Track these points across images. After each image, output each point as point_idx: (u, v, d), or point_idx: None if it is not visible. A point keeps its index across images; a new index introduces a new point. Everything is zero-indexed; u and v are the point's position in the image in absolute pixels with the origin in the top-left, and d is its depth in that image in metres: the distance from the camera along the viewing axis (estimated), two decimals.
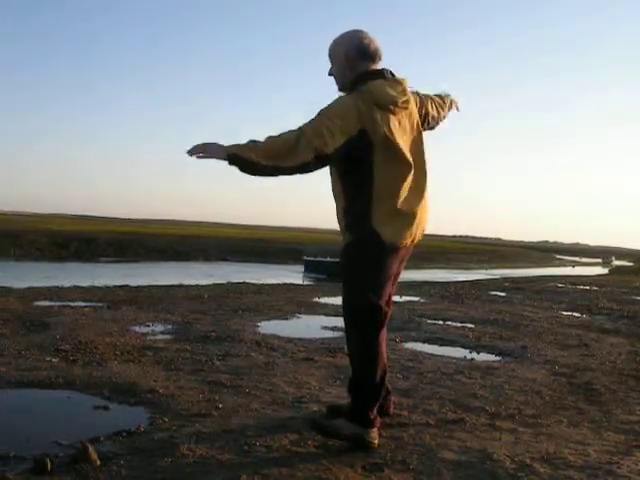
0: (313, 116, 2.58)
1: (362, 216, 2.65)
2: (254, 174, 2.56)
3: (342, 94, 2.76)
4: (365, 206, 2.64)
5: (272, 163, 2.50)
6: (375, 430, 2.68)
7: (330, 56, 2.82)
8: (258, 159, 2.48)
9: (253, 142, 2.52)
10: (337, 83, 2.83)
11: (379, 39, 2.80)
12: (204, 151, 2.52)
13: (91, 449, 2.37)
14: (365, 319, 2.67)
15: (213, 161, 2.51)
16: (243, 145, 2.50)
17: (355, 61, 2.74)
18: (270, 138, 2.53)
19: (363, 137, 2.56)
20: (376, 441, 2.65)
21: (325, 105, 2.61)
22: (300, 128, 2.53)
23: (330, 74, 2.85)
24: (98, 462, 2.33)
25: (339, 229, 2.84)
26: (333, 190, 2.81)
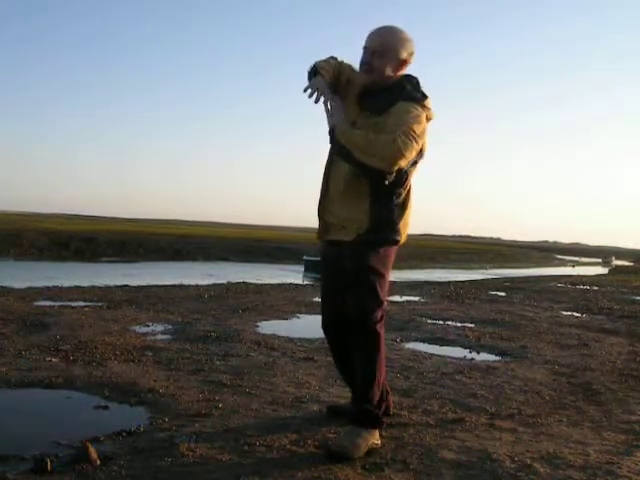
0: (405, 124, 2.55)
1: (390, 220, 2.70)
2: (335, 152, 2.69)
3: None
4: (393, 211, 2.70)
5: (358, 156, 2.57)
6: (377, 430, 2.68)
7: (378, 49, 2.69)
8: (349, 146, 2.59)
9: (356, 132, 2.61)
10: (370, 74, 2.73)
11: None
12: (329, 110, 2.67)
13: (91, 449, 2.37)
14: (379, 320, 2.71)
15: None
16: (348, 127, 2.64)
17: (405, 65, 2.76)
18: (369, 135, 2.57)
19: (419, 151, 2.67)
20: (378, 442, 2.66)
21: (408, 114, 2.59)
22: (400, 140, 2.51)
23: (366, 63, 2.73)
24: (98, 462, 2.33)
25: (339, 225, 2.75)
26: (350, 190, 2.69)
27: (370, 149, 2.54)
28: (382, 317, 2.74)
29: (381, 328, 2.73)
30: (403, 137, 2.52)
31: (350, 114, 2.78)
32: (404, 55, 2.72)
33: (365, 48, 2.74)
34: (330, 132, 2.65)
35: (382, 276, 2.71)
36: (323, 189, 2.83)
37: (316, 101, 2.65)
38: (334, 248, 2.80)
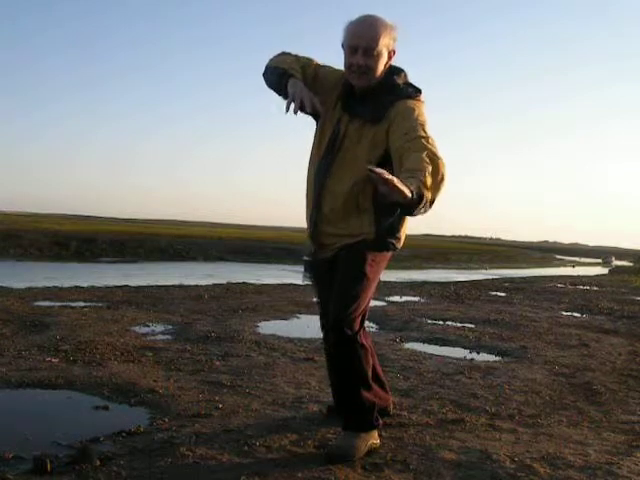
0: (426, 133, 2.33)
1: (394, 229, 2.58)
2: (422, 212, 2.18)
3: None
4: (396, 220, 2.57)
5: (436, 196, 2.17)
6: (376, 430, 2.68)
7: (370, 46, 2.40)
8: (434, 195, 2.15)
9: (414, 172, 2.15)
10: (365, 76, 2.46)
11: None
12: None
13: (91, 449, 2.38)
14: (358, 329, 2.55)
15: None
16: (416, 179, 2.10)
17: (394, 56, 2.51)
18: (426, 164, 2.17)
19: None
20: (378, 441, 2.65)
21: (413, 113, 2.40)
22: (437, 153, 2.24)
23: (358, 65, 2.43)
24: (98, 462, 2.33)
25: (336, 244, 2.59)
26: (352, 205, 2.51)
27: (438, 182, 2.16)
28: (362, 325, 2.58)
29: (363, 337, 2.58)
30: (435, 148, 2.26)
31: (333, 120, 2.55)
32: (393, 46, 2.48)
33: (352, 47, 2.44)
34: (419, 199, 2.07)
35: (372, 283, 2.58)
36: (314, 211, 2.59)
37: (302, 110, 2.38)
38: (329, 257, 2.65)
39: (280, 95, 2.58)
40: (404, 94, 2.49)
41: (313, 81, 2.60)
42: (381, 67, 2.47)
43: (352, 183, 2.50)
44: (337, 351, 2.57)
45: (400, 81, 2.53)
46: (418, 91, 2.53)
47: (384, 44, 2.43)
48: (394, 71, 2.54)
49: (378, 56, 2.44)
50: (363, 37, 2.41)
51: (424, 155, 2.21)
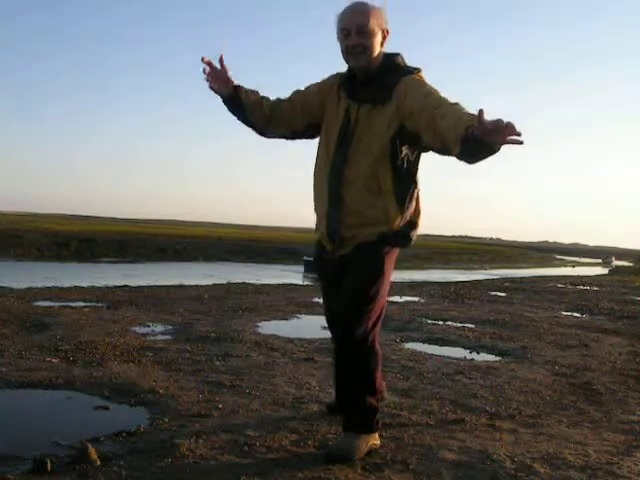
0: (438, 94, 2.40)
1: (413, 220, 2.58)
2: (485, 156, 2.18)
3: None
4: (416, 205, 2.58)
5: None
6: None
7: (362, 23, 2.44)
8: None
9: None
10: (363, 56, 2.47)
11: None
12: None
13: (91, 449, 2.37)
14: (374, 336, 2.53)
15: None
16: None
17: (388, 37, 2.53)
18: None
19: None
20: (378, 442, 2.65)
21: (423, 84, 2.46)
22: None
23: (353, 45, 2.46)
24: (98, 462, 2.32)
25: (358, 235, 2.52)
26: (371, 190, 2.47)
27: None
28: (375, 326, 2.52)
29: (377, 340, 2.55)
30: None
31: (340, 112, 2.55)
32: (385, 25, 2.51)
33: (345, 30, 2.48)
34: (492, 148, 2.07)
35: (387, 280, 2.55)
36: (332, 208, 2.53)
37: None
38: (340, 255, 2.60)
39: (239, 116, 2.73)
40: (404, 72, 2.52)
41: (304, 99, 2.68)
42: (377, 46, 2.49)
43: (370, 163, 2.47)
44: (346, 353, 2.54)
45: (400, 61, 2.57)
46: (418, 70, 2.56)
47: (375, 23, 2.46)
48: (391, 55, 2.58)
49: (372, 34, 2.46)
50: (353, 18, 2.47)
51: (460, 105, 2.26)
